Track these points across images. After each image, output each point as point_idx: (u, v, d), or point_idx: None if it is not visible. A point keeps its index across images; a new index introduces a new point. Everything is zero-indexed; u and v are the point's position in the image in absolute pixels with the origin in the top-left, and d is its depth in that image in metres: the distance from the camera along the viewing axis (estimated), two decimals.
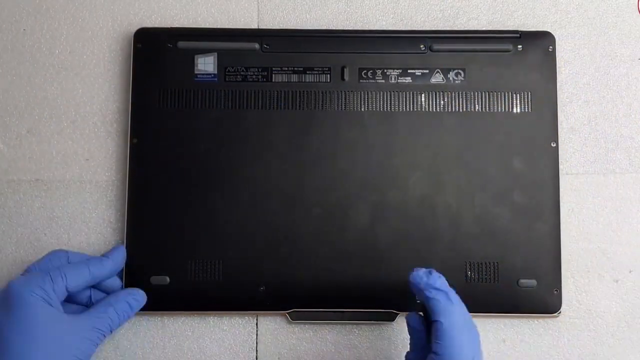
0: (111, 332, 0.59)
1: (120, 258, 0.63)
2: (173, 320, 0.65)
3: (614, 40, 0.68)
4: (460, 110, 0.65)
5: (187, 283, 0.64)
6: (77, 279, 0.58)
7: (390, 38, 0.67)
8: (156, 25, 0.68)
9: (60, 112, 0.67)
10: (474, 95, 0.66)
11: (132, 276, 0.64)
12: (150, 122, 0.65)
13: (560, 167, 0.65)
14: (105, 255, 0.62)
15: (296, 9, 0.69)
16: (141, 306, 0.62)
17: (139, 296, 0.62)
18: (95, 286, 0.61)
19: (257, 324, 0.65)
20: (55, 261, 0.60)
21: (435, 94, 0.66)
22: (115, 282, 0.63)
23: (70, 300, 0.60)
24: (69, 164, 0.67)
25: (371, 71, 0.66)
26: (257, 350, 0.65)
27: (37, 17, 0.68)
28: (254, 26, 0.69)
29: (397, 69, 0.66)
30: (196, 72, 0.66)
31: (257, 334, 0.65)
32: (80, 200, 0.66)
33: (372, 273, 0.64)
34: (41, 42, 0.68)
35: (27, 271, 0.59)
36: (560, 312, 0.64)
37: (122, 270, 0.64)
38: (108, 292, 0.62)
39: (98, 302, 0.60)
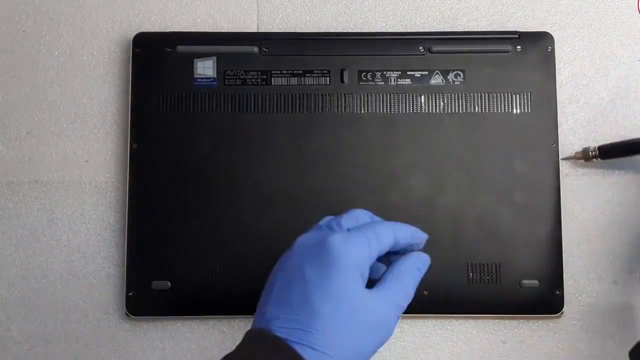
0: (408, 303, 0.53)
1: (421, 238, 0.56)
2: (172, 323, 0.65)
3: (614, 41, 0.68)
4: (460, 111, 0.65)
5: (188, 287, 0.64)
6: (385, 244, 0.52)
7: (389, 40, 0.67)
8: (156, 27, 0.68)
9: (59, 114, 0.67)
10: (473, 96, 0.66)
11: (133, 280, 0.64)
12: (150, 127, 0.65)
13: (561, 168, 0.65)
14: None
15: (295, 11, 0.69)
16: (427, 268, 0.54)
17: (424, 258, 0.55)
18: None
19: None
20: (363, 217, 0.55)
21: (435, 96, 0.66)
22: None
23: None
24: (68, 165, 0.66)
25: (370, 73, 0.66)
26: None
27: (37, 19, 0.68)
28: (254, 29, 0.69)
29: (397, 70, 0.66)
30: (195, 76, 0.66)
31: None
32: (80, 201, 0.66)
33: None
34: (41, 44, 0.68)
35: (336, 222, 0.53)
36: (562, 313, 0.64)
37: None
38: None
39: (388, 273, 0.53)
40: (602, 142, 0.66)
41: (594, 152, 0.64)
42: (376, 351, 0.49)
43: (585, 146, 0.66)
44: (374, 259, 0.51)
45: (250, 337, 0.49)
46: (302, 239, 0.51)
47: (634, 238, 0.66)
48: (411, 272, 0.52)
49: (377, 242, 0.51)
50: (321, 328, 0.47)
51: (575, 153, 0.66)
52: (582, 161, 0.66)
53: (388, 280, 0.51)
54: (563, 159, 0.66)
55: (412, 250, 0.54)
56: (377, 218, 0.55)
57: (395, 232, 0.52)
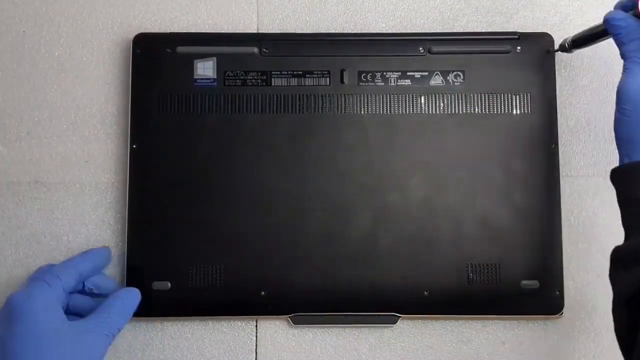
0: (118, 332, 0.58)
1: (102, 252, 0.63)
2: (172, 324, 0.65)
3: (614, 42, 0.68)
4: (460, 112, 0.65)
5: (188, 288, 0.64)
6: (69, 274, 0.58)
7: (389, 41, 0.67)
8: (156, 28, 0.68)
9: (59, 114, 0.67)
10: (473, 97, 0.66)
11: (133, 282, 0.64)
12: (150, 128, 0.65)
13: (560, 169, 0.65)
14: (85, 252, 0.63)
15: (295, 12, 0.69)
16: (138, 302, 0.61)
17: (134, 293, 0.61)
18: (90, 294, 0.61)
19: (256, 326, 0.65)
20: (41, 271, 0.59)
21: (435, 96, 0.66)
22: (109, 283, 0.63)
23: (70, 312, 0.59)
24: (68, 165, 0.66)
25: (370, 74, 0.66)
26: (256, 353, 0.65)
27: (37, 19, 0.68)
28: (254, 30, 0.69)
29: (397, 71, 0.66)
30: (195, 76, 0.66)
31: (256, 337, 0.65)
32: (80, 202, 0.66)
33: (374, 276, 0.64)
34: (41, 44, 0.68)
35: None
36: (562, 313, 0.64)
37: (123, 276, 0.63)
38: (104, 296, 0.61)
39: (98, 306, 0.59)
40: (601, 144, 0.67)
41: (569, 44, 0.64)
42: None
43: (585, 148, 0.66)
44: (64, 294, 0.56)
45: None
46: None
47: None
48: (119, 301, 0.59)
49: (57, 278, 0.56)
50: None
51: (557, 47, 0.66)
52: (566, 54, 0.66)
53: (95, 312, 0.57)
54: (555, 50, 0.66)
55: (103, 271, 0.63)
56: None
57: (76, 265, 0.59)
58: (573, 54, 0.67)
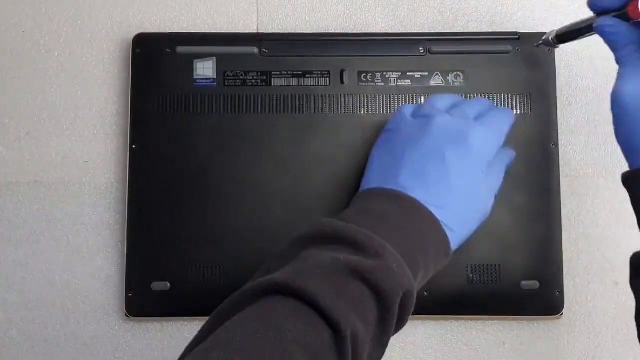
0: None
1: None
2: (172, 324, 0.65)
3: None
4: None
5: (188, 288, 0.64)
6: (504, 136, 0.59)
7: (389, 41, 0.67)
8: (156, 28, 0.68)
9: (59, 114, 0.67)
10: (473, 97, 0.65)
11: (132, 281, 0.64)
12: (149, 128, 0.65)
13: (561, 169, 0.65)
14: None
15: (295, 12, 0.69)
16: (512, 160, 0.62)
17: (511, 153, 0.61)
18: None
19: None
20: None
21: None
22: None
23: None
24: (68, 166, 0.66)
25: (370, 74, 0.66)
26: None
27: (37, 19, 0.68)
28: (253, 30, 0.69)
29: (397, 71, 0.66)
30: (195, 76, 0.66)
31: None
32: (79, 202, 0.66)
33: None
34: (40, 44, 0.68)
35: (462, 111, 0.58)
36: (562, 314, 0.64)
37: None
38: None
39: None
40: (602, 144, 0.67)
41: (553, 39, 0.61)
42: (476, 228, 0.57)
43: (585, 148, 0.66)
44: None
45: (381, 194, 0.54)
46: (441, 122, 0.56)
47: (633, 239, 0.66)
48: (500, 165, 0.59)
49: (502, 136, 0.58)
50: (453, 206, 0.54)
51: (542, 38, 0.62)
52: (549, 49, 0.66)
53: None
54: (538, 44, 0.63)
55: None
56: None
57: (510, 120, 0.59)
58: (572, 54, 0.67)
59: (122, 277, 0.64)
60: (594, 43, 0.68)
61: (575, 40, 0.60)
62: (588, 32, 0.58)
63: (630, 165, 0.54)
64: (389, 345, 0.65)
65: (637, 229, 0.66)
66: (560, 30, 0.61)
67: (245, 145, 0.65)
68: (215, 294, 0.63)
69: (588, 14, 0.69)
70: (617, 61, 0.53)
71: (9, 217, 0.66)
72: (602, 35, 0.54)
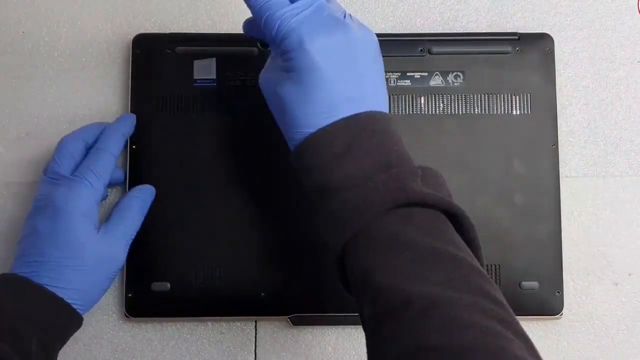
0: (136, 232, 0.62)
1: (129, 123, 0.64)
2: (172, 325, 0.65)
3: (613, 42, 0.68)
4: (460, 112, 0.65)
5: (188, 289, 0.64)
6: (107, 175, 0.60)
7: (388, 41, 0.66)
8: (155, 29, 0.68)
9: (59, 115, 0.67)
10: (473, 97, 0.65)
11: (132, 282, 0.64)
12: (149, 128, 0.65)
13: (560, 169, 0.65)
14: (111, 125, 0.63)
15: None
16: (153, 198, 0.63)
17: (147, 190, 0.63)
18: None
19: (256, 327, 0.65)
20: (74, 147, 0.61)
21: (435, 97, 0.65)
22: (117, 173, 0.64)
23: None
24: None
25: None
26: (256, 354, 0.65)
27: (36, 20, 0.68)
28: None
29: (396, 72, 0.66)
30: (195, 77, 0.66)
31: (256, 338, 0.65)
32: None
33: None
34: (40, 45, 0.68)
35: (53, 168, 0.60)
36: (562, 314, 0.64)
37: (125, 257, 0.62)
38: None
39: (114, 211, 0.61)
40: (601, 144, 0.67)
41: None
42: (112, 280, 0.60)
43: (585, 148, 0.66)
44: (102, 191, 0.60)
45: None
46: (35, 195, 0.59)
47: (633, 240, 0.66)
48: (135, 201, 0.62)
49: (98, 178, 0.59)
50: (53, 271, 0.56)
51: None
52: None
53: (112, 219, 0.60)
54: None
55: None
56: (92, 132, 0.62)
57: (112, 153, 0.60)
58: (571, 54, 0.67)
59: (122, 277, 0.64)
60: (594, 43, 0.68)
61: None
62: None
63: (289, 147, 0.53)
64: None
65: (636, 230, 0.66)
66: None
67: (245, 146, 0.65)
68: (215, 294, 0.63)
69: (589, 13, 0.69)
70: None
71: (8, 217, 0.66)
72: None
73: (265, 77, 0.54)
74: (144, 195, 0.63)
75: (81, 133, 0.61)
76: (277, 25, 0.50)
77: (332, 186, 0.49)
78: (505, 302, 0.44)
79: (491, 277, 0.63)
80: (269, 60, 0.55)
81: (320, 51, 0.50)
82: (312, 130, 0.50)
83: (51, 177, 0.59)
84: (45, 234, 0.56)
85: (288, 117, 0.51)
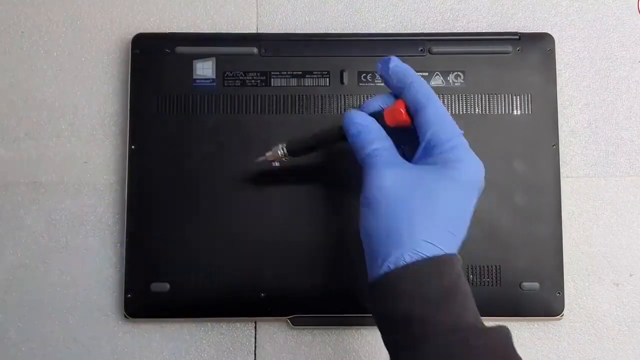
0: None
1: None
2: (171, 325, 0.65)
3: (614, 42, 0.68)
4: (460, 112, 0.65)
5: (187, 290, 0.63)
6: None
7: (389, 41, 0.67)
8: (155, 29, 0.68)
9: (58, 115, 0.67)
10: (473, 97, 0.65)
11: (131, 282, 0.64)
12: (149, 128, 0.65)
13: (561, 170, 0.65)
14: None
15: (295, 12, 0.69)
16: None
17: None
18: None
19: (255, 328, 0.65)
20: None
21: None
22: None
23: None
24: (67, 166, 0.66)
25: (370, 74, 0.66)
26: (255, 354, 0.65)
27: (36, 20, 0.68)
28: (253, 30, 0.69)
29: None
30: (195, 77, 0.66)
31: (255, 338, 0.65)
32: (79, 203, 0.66)
33: None
34: (39, 45, 0.68)
35: None
36: (563, 315, 0.64)
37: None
38: None
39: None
40: (602, 145, 0.67)
41: (282, 152, 0.57)
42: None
43: (585, 149, 0.66)
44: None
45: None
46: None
47: (634, 240, 0.66)
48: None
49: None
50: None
51: (267, 154, 0.59)
52: (277, 163, 0.59)
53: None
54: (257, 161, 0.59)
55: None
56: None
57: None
58: (572, 54, 0.67)
59: (121, 278, 0.64)
60: (595, 43, 0.68)
61: (310, 152, 0.57)
62: (330, 142, 0.55)
63: (372, 274, 0.48)
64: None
65: (637, 230, 0.66)
66: (293, 142, 0.57)
67: (244, 146, 0.65)
68: (215, 295, 0.63)
69: (589, 13, 0.69)
70: (363, 160, 0.51)
71: (7, 217, 0.66)
72: (349, 129, 0.51)
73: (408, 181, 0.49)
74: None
75: None
76: (452, 136, 0.49)
77: (432, 327, 0.45)
78: None
79: (492, 278, 0.63)
80: (406, 164, 0.50)
81: (391, 182, 0.48)
82: (441, 249, 0.47)
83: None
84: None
85: (417, 225, 0.47)
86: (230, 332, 0.65)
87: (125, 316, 0.64)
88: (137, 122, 0.65)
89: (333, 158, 0.64)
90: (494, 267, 0.64)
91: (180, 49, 0.66)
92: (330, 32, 0.68)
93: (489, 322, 0.64)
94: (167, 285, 0.63)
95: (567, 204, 0.66)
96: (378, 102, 0.52)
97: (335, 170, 0.64)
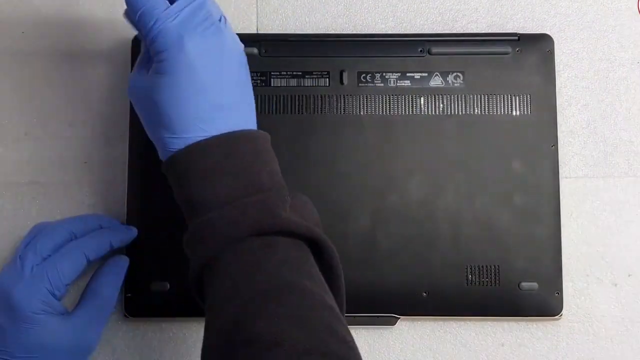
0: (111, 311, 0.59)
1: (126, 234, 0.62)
2: (171, 324, 0.65)
3: (613, 43, 0.68)
4: (460, 113, 0.65)
5: (187, 289, 0.63)
6: (70, 273, 0.57)
7: (388, 42, 0.67)
8: None
9: (58, 115, 0.67)
10: (473, 98, 0.65)
11: (131, 282, 0.64)
12: None
13: (560, 170, 0.65)
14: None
15: (295, 13, 0.69)
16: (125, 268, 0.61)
17: (123, 262, 0.61)
18: None
19: None
20: (45, 243, 0.58)
21: (435, 97, 0.65)
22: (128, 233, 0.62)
23: None
24: (67, 166, 0.66)
25: (370, 75, 0.66)
26: None
27: (36, 20, 0.68)
28: (253, 30, 0.69)
29: (396, 72, 0.66)
30: None
31: None
32: (79, 202, 0.66)
33: (373, 277, 0.64)
34: (40, 45, 0.68)
35: (21, 261, 0.57)
36: (561, 315, 0.64)
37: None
38: None
39: (89, 288, 0.60)
40: (601, 145, 0.67)
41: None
42: None
43: (584, 149, 0.66)
44: (64, 288, 0.56)
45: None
46: None
47: (632, 241, 0.66)
48: (110, 282, 0.59)
49: (59, 276, 0.55)
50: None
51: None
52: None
53: (86, 300, 0.59)
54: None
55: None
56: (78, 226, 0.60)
57: (85, 253, 0.57)
58: (571, 55, 0.67)
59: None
60: (594, 44, 0.68)
61: None
62: None
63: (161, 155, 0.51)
64: (388, 345, 0.65)
65: (635, 231, 0.66)
66: None
67: None
68: None
69: (589, 14, 0.69)
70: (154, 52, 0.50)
71: (7, 217, 0.66)
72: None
73: (136, 80, 0.51)
74: (118, 269, 0.61)
75: (70, 225, 0.60)
76: (152, 23, 0.48)
77: (199, 203, 0.48)
78: (351, 338, 0.44)
79: (490, 278, 0.63)
80: (138, 61, 0.53)
81: (197, 52, 0.48)
82: (188, 135, 0.48)
83: (17, 265, 0.56)
84: (9, 332, 0.54)
85: (163, 122, 0.49)
86: None
87: (125, 315, 0.64)
88: (138, 122, 0.65)
89: (333, 157, 0.65)
90: (492, 267, 0.64)
91: None
92: (330, 32, 0.68)
93: (487, 322, 0.65)
94: (167, 285, 0.63)
95: (566, 205, 0.66)
96: None
97: (335, 170, 0.64)
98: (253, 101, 0.53)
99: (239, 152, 0.48)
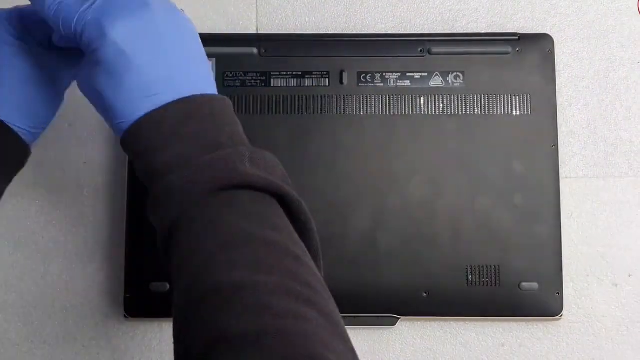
0: None
1: None
2: (170, 325, 0.65)
3: (613, 43, 0.68)
4: (460, 113, 0.65)
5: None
6: None
7: (388, 42, 0.67)
8: None
9: (58, 115, 0.67)
10: (473, 98, 0.65)
11: (131, 282, 0.63)
12: None
13: (560, 170, 0.65)
14: None
15: (295, 13, 0.69)
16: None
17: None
18: None
19: None
20: None
21: (434, 97, 0.65)
22: None
23: None
24: (66, 167, 0.66)
25: (370, 75, 0.66)
26: None
27: None
28: (253, 31, 0.69)
29: (396, 72, 0.66)
30: None
31: None
32: (78, 203, 0.66)
33: (373, 277, 0.63)
34: None
35: None
36: (562, 315, 0.64)
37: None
38: None
39: None
40: (601, 145, 0.67)
41: None
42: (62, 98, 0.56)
43: (584, 149, 0.66)
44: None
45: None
46: None
47: (633, 241, 0.66)
48: None
49: None
50: None
51: None
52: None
53: None
54: None
55: None
56: None
57: None
58: (571, 54, 0.67)
59: (121, 278, 0.64)
60: (594, 44, 0.68)
61: None
62: None
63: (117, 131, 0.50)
64: (388, 345, 0.65)
65: (636, 231, 0.66)
66: None
67: None
68: None
69: (589, 14, 0.69)
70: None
71: (7, 218, 0.66)
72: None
73: (81, 76, 0.51)
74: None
75: None
76: (74, 23, 0.47)
77: (157, 170, 0.47)
78: (319, 285, 0.43)
79: (491, 278, 0.63)
80: (83, 60, 0.52)
81: (122, 35, 0.47)
82: (134, 117, 0.48)
83: None
84: None
85: (109, 109, 0.49)
86: None
87: (125, 316, 0.64)
88: None
89: (333, 157, 0.64)
90: (493, 267, 0.64)
91: None
92: (330, 32, 0.68)
93: (488, 323, 0.65)
94: (167, 285, 0.63)
95: (566, 205, 0.66)
96: None
97: (335, 171, 0.64)
98: (208, 69, 0.51)
99: (194, 116, 0.47)
